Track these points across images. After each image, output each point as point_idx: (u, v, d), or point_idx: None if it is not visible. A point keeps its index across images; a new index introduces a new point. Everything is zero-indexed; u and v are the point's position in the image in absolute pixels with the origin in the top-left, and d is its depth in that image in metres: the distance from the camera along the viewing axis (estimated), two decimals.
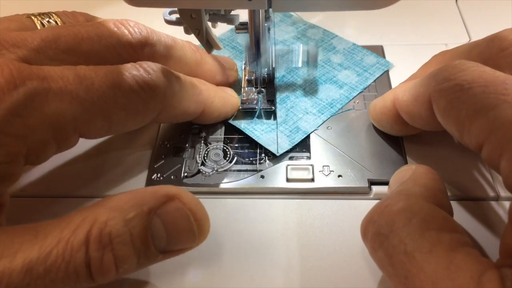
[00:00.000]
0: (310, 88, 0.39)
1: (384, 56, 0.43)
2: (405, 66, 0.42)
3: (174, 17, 0.34)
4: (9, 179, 0.23)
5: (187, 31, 0.33)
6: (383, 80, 0.40)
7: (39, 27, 0.30)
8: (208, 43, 0.34)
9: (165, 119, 0.31)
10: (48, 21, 0.30)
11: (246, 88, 0.37)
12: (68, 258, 0.21)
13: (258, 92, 0.37)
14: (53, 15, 0.31)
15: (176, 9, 0.33)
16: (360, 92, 0.39)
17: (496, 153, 0.22)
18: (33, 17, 0.30)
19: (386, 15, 0.47)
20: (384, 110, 0.32)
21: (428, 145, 0.35)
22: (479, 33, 0.44)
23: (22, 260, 0.21)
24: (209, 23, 0.33)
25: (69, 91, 0.23)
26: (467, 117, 0.23)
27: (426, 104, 0.27)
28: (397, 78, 0.40)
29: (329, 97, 0.38)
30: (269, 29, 0.36)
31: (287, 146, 0.34)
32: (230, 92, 0.36)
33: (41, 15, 0.31)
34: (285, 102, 0.38)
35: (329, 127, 0.36)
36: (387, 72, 0.41)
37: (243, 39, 0.42)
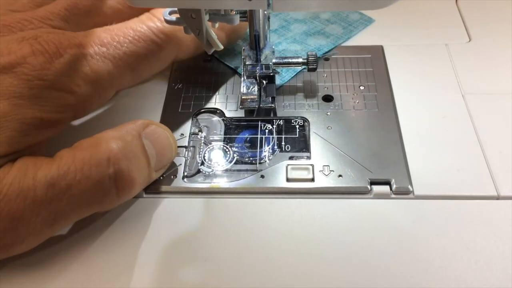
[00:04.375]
0: (300, 38, 0.44)
1: (384, 56, 0.43)
2: (405, 66, 0.42)
3: (174, 17, 0.34)
4: (60, 125, 0.29)
5: (187, 31, 0.33)
6: (383, 80, 0.40)
7: None
8: (208, 43, 0.34)
9: (182, 56, 0.36)
10: None
11: (246, 80, 0.37)
12: (88, 172, 0.26)
13: (259, 85, 0.36)
14: None
15: (176, 9, 0.33)
16: (344, 41, 0.43)
17: None
18: None
19: (386, 15, 0.47)
20: None
21: (427, 145, 0.35)
22: (479, 33, 0.44)
23: (43, 177, 0.25)
24: (209, 23, 0.33)
25: (101, 52, 0.29)
26: None
27: None
28: (397, 78, 0.40)
29: (317, 43, 0.43)
30: (268, 18, 0.36)
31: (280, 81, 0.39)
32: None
33: None
34: (277, 47, 0.42)
35: (329, 127, 0.36)
36: (387, 72, 0.41)
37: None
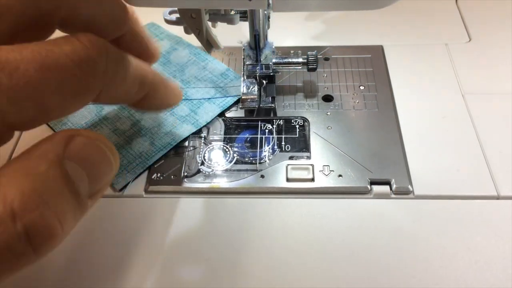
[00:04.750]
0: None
1: (384, 56, 0.42)
2: (405, 66, 0.42)
3: (174, 17, 0.34)
4: None
5: (187, 31, 0.33)
6: (383, 80, 0.40)
7: None
8: (208, 43, 0.34)
9: (105, 99, 0.26)
10: None
11: (246, 80, 0.37)
12: None
13: (259, 84, 0.36)
14: None
15: (176, 9, 0.33)
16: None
17: None
18: None
19: (386, 15, 0.47)
20: None
21: (427, 145, 0.35)
22: (479, 33, 0.44)
23: None
24: (209, 23, 0.33)
25: None
26: None
27: None
28: (397, 78, 0.40)
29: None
30: (268, 18, 0.36)
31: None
32: (173, 82, 0.34)
33: None
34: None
35: (329, 127, 0.36)
36: (387, 72, 0.41)
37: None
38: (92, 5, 0.25)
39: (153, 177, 0.33)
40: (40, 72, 0.21)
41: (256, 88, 0.36)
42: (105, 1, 0.26)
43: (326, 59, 0.43)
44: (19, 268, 0.20)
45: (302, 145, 0.35)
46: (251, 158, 0.35)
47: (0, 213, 0.19)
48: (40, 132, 0.35)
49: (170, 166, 0.34)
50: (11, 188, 0.19)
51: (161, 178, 0.33)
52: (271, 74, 0.37)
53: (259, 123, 0.37)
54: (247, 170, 0.34)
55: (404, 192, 0.32)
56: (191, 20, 0.31)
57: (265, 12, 0.34)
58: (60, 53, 0.21)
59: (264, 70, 0.37)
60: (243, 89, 0.36)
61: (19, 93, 0.20)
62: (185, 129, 0.35)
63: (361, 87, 0.40)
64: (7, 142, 0.22)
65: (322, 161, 0.34)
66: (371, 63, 0.42)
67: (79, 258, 0.29)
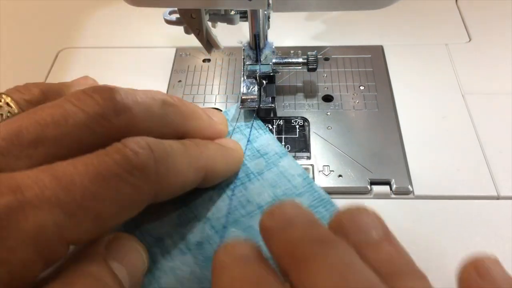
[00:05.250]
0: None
1: (384, 56, 0.43)
2: (405, 66, 0.42)
3: (174, 17, 0.34)
4: None
5: (187, 31, 0.33)
6: (383, 80, 0.40)
7: None
8: (208, 43, 0.34)
9: (163, 198, 0.25)
10: (8, 112, 0.27)
11: (246, 80, 0.37)
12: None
13: (259, 84, 0.36)
14: (3, 96, 0.27)
15: (176, 9, 0.33)
16: None
17: None
18: None
19: (386, 15, 0.47)
20: None
21: (427, 145, 0.35)
22: (479, 33, 0.44)
23: None
24: (209, 23, 0.33)
25: (47, 197, 0.20)
26: None
27: None
28: (397, 78, 0.40)
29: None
30: (268, 18, 0.36)
31: None
32: (231, 145, 0.31)
33: None
34: None
35: (329, 127, 0.36)
36: (387, 72, 0.41)
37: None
38: (145, 120, 0.26)
39: None
40: (95, 183, 0.21)
41: (256, 88, 0.36)
42: (158, 112, 0.26)
43: (326, 59, 0.43)
44: None
45: (302, 145, 0.35)
46: None
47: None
48: None
49: None
50: None
51: None
52: (271, 74, 0.37)
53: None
54: None
55: (404, 192, 0.32)
56: (191, 20, 0.31)
57: (265, 12, 0.34)
58: (111, 163, 0.22)
59: (264, 70, 0.37)
60: (243, 89, 0.36)
61: (76, 206, 0.21)
62: None
63: (361, 87, 0.40)
64: (61, 259, 0.22)
65: (322, 161, 0.34)
66: (371, 63, 0.42)
67: None
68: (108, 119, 0.24)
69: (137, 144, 0.23)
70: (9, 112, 0.27)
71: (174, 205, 0.29)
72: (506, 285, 0.20)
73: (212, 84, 0.41)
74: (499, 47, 0.43)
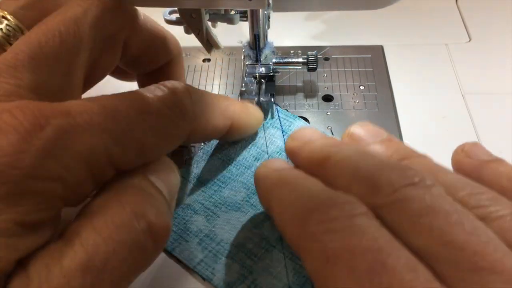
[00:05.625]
0: None
1: (384, 56, 0.43)
2: (405, 66, 0.42)
3: (174, 17, 0.34)
4: (49, 225, 0.21)
5: (187, 31, 0.33)
6: (383, 80, 0.40)
7: None
8: (208, 43, 0.34)
9: (196, 138, 0.29)
10: (7, 26, 0.27)
11: (245, 79, 0.37)
12: (119, 237, 0.21)
13: (258, 83, 0.36)
14: (6, 15, 0.27)
15: (176, 9, 0.33)
16: None
17: None
18: None
19: (386, 15, 0.47)
20: (259, 198, 0.28)
21: (427, 145, 0.35)
22: (479, 33, 0.44)
23: (72, 265, 0.20)
24: (209, 23, 0.33)
25: (97, 123, 0.21)
26: None
27: (293, 248, 0.23)
28: (397, 78, 0.40)
29: None
30: (268, 18, 0.36)
31: None
32: (252, 106, 0.33)
33: None
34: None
35: (329, 127, 0.36)
36: (387, 72, 0.41)
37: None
38: (150, 26, 0.30)
39: None
40: (140, 116, 0.23)
41: (255, 86, 0.36)
42: (156, 29, 0.31)
43: (326, 59, 0.43)
44: (146, 264, 0.23)
45: None
46: None
47: (123, 213, 0.21)
48: None
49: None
50: (127, 197, 0.22)
51: None
52: (271, 74, 0.37)
53: None
54: None
55: None
56: (191, 20, 0.31)
57: (265, 12, 0.34)
58: (154, 98, 0.24)
59: (264, 70, 0.37)
60: (243, 86, 0.36)
61: (123, 134, 0.22)
62: None
63: (361, 87, 0.40)
64: (107, 179, 0.24)
65: None
66: (371, 63, 0.42)
67: None
68: (114, 13, 0.28)
69: (175, 85, 0.25)
70: (7, 25, 0.26)
71: (242, 211, 0.29)
72: (486, 157, 0.26)
73: (212, 84, 0.41)
74: (499, 47, 0.43)
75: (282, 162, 0.27)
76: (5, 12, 0.27)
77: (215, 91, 0.40)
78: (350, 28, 0.46)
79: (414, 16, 0.47)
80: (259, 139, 0.33)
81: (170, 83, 0.25)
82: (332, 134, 0.36)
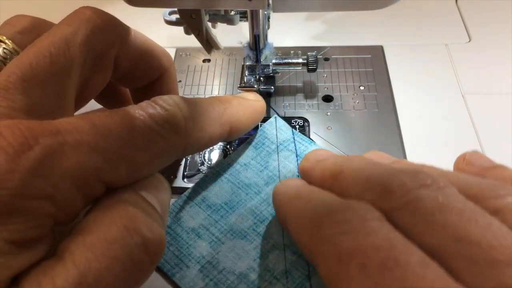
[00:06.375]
0: None
1: (384, 56, 0.43)
2: (405, 66, 0.42)
3: (174, 17, 0.34)
4: (39, 243, 0.21)
5: (187, 31, 0.33)
6: (383, 80, 0.40)
7: None
8: (208, 43, 0.34)
9: (193, 151, 0.28)
10: (4, 49, 0.27)
11: (245, 78, 0.37)
12: (112, 253, 0.21)
13: (258, 81, 0.37)
14: (4, 39, 0.28)
15: (176, 9, 0.33)
16: None
17: None
18: None
19: (386, 15, 0.47)
20: (276, 214, 0.29)
21: (427, 145, 0.35)
22: (479, 33, 0.44)
23: (65, 283, 0.20)
24: (209, 24, 0.33)
25: (86, 141, 0.22)
26: None
27: (309, 257, 0.23)
28: (397, 78, 0.40)
29: None
30: (268, 18, 0.36)
31: None
32: (252, 97, 0.32)
33: None
34: None
35: (329, 127, 0.36)
36: (387, 72, 0.41)
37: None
38: (140, 41, 0.30)
39: None
40: (130, 133, 0.23)
41: (254, 82, 0.36)
42: (151, 44, 0.31)
43: (326, 59, 0.43)
44: (142, 278, 0.22)
45: None
46: None
47: (115, 229, 0.21)
48: None
49: (170, 166, 0.34)
50: (119, 212, 0.22)
51: None
52: (271, 74, 0.37)
53: (259, 123, 0.37)
54: None
55: None
56: (191, 21, 0.31)
57: (265, 12, 0.34)
58: (144, 115, 0.24)
59: (264, 70, 0.37)
60: (242, 83, 0.36)
61: (113, 152, 0.22)
62: None
63: (361, 87, 0.40)
64: (99, 195, 0.24)
65: None
66: (371, 63, 0.42)
67: None
68: (104, 34, 0.27)
69: (167, 101, 0.25)
70: (4, 48, 0.27)
71: (248, 239, 0.29)
72: (488, 164, 0.26)
73: (212, 84, 0.41)
74: (499, 47, 0.43)
75: (299, 180, 0.28)
76: (4, 37, 0.27)
77: (215, 91, 0.40)
78: (350, 28, 0.46)
79: (414, 16, 0.47)
80: (272, 162, 0.32)
81: (161, 99, 0.25)
82: (341, 152, 0.36)
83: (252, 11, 0.33)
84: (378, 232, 0.19)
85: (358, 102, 0.38)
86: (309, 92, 0.40)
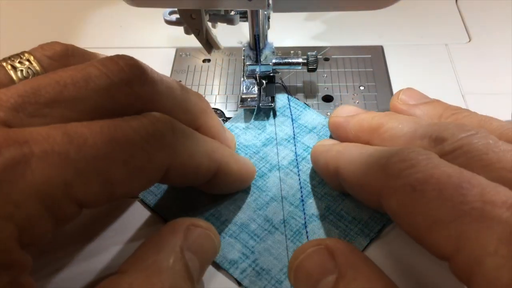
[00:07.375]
0: None
1: (384, 56, 0.43)
2: (405, 66, 0.42)
3: (174, 17, 0.34)
4: (10, 268, 0.19)
5: (187, 31, 0.33)
6: (383, 80, 0.40)
7: (12, 74, 0.26)
8: (208, 43, 0.34)
9: (174, 177, 0.25)
10: (19, 62, 0.26)
11: (246, 80, 0.37)
12: None
13: (259, 85, 0.36)
14: (25, 54, 0.27)
15: (176, 9, 0.33)
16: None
17: (466, 272, 0.19)
18: (3, 63, 0.26)
19: (386, 15, 0.47)
20: (325, 168, 0.29)
21: None
22: (479, 33, 0.44)
23: None
24: (209, 24, 0.33)
25: (56, 152, 0.20)
26: (424, 227, 0.20)
27: (373, 196, 0.24)
28: (397, 78, 0.40)
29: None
30: (268, 18, 0.36)
31: None
32: (244, 158, 0.32)
33: (11, 58, 0.27)
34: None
35: None
36: (387, 72, 0.41)
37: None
38: (167, 99, 0.26)
39: None
40: (108, 146, 0.21)
41: (256, 88, 0.36)
42: (180, 95, 0.27)
43: (326, 59, 0.43)
44: None
45: None
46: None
47: None
48: None
49: None
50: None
51: None
52: (271, 74, 0.37)
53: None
54: None
55: None
56: (191, 21, 0.31)
57: (265, 12, 0.34)
58: (127, 128, 0.22)
59: (264, 70, 0.37)
60: (243, 89, 0.36)
61: (86, 165, 0.20)
62: None
63: (361, 87, 0.40)
64: (73, 220, 0.22)
65: None
66: (371, 63, 0.42)
67: (78, 258, 0.29)
68: (132, 87, 0.24)
69: (155, 116, 0.24)
70: (29, 68, 0.26)
71: (247, 192, 0.31)
72: (417, 100, 0.30)
73: (212, 84, 0.41)
74: (499, 47, 0.43)
75: (334, 140, 0.31)
76: (32, 57, 0.27)
77: (215, 91, 0.40)
78: (350, 28, 0.46)
79: (414, 16, 0.47)
80: (269, 126, 0.35)
81: (151, 114, 0.24)
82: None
83: (252, 11, 0.33)
84: (444, 164, 0.21)
85: (358, 102, 0.38)
86: (309, 92, 0.40)
